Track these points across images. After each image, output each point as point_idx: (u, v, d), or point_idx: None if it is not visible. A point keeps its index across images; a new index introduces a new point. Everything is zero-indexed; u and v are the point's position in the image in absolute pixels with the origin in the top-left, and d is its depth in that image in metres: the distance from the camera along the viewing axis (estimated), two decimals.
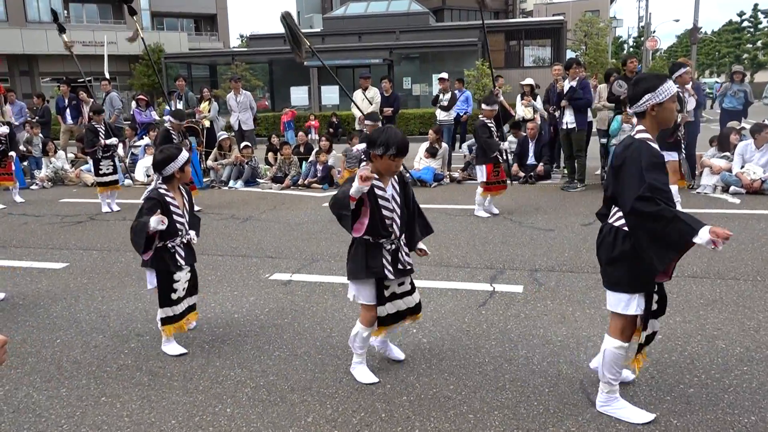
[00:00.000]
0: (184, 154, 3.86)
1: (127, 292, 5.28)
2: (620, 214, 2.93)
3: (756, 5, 54.02)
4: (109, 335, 4.34)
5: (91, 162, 9.31)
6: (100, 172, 9.02)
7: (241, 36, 52.43)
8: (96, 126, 9.11)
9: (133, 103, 14.17)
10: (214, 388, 3.52)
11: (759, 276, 5.14)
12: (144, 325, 4.50)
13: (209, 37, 47.14)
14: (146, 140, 12.51)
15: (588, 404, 3.19)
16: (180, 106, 13.35)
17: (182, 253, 3.92)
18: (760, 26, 53.91)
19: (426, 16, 30.59)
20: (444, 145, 11.26)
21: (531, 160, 10.68)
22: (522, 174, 10.47)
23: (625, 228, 2.89)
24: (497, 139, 7.76)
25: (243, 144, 11.66)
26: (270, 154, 12.19)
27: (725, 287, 4.90)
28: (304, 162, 11.34)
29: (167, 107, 14.81)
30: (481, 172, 7.75)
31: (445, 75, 12.84)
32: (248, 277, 5.62)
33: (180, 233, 3.89)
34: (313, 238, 7.01)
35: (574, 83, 9.28)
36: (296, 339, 4.17)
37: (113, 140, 9.13)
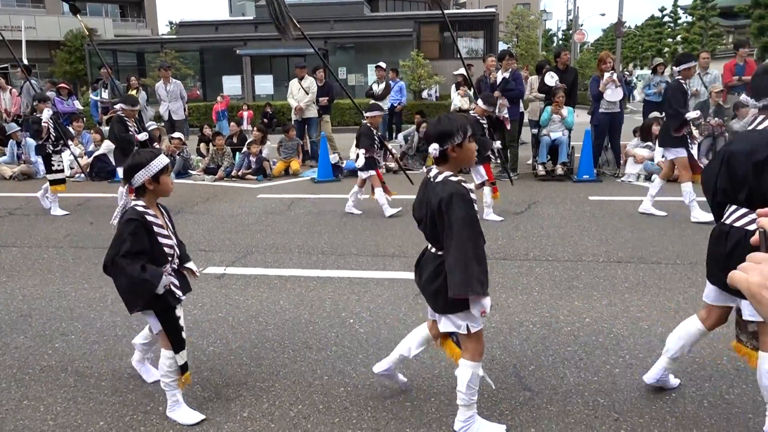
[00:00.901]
0: (160, 160, 2.99)
1: (50, 290, 5.05)
2: (741, 212, 2.74)
3: (676, 1, 56.52)
4: (31, 336, 4.14)
5: (37, 159, 8.30)
6: (53, 168, 8.03)
7: (171, 23, 50.78)
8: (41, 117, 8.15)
9: (51, 93, 13.48)
10: (145, 386, 3.41)
11: (678, 259, 5.41)
12: (69, 324, 4.31)
13: (136, 23, 45.45)
14: (72, 130, 11.96)
15: (520, 387, 3.28)
16: (106, 95, 12.85)
17: (177, 283, 3.09)
18: (680, 21, 56.45)
19: (361, 6, 30.46)
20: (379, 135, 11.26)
21: None
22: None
23: (750, 227, 2.66)
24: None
25: (175, 135, 11.32)
26: (202, 145, 11.90)
27: (648, 271, 5.12)
28: (237, 153, 11.12)
29: (92, 96, 14.22)
30: (479, 173, 7.11)
31: (382, 64, 12.82)
32: None
33: (170, 259, 3.06)
34: (248, 231, 6.89)
35: (507, 74, 9.45)
36: (231, 333, 4.10)
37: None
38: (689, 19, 53.64)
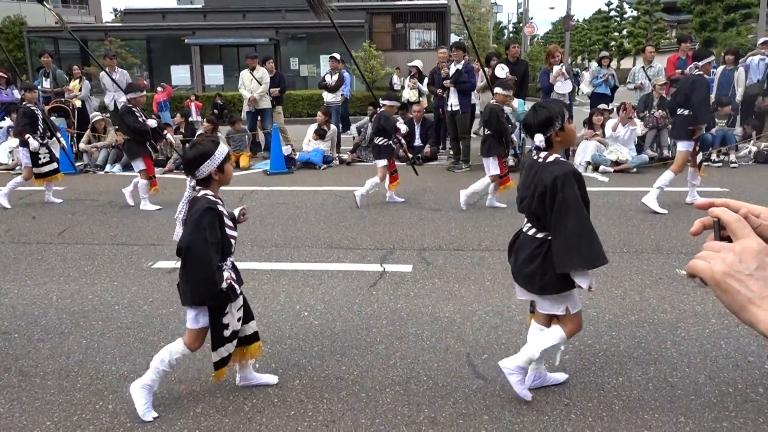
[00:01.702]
0: (222, 149, 2.97)
1: None
2: None
3: None
4: None
5: (23, 151, 7.81)
6: (39, 161, 7.73)
7: (115, 10, 49.24)
8: (32, 108, 7.81)
9: None
10: (94, 384, 3.32)
11: (625, 248, 5.57)
12: (12, 322, 4.16)
13: (78, 10, 43.83)
14: (8, 121, 11.47)
15: (474, 376, 3.33)
16: (47, 84, 12.37)
17: (234, 276, 3.03)
18: (626, 16, 57.97)
19: None
20: (333, 126, 11.21)
21: (417, 141, 10.89)
22: (409, 155, 10.63)
23: None
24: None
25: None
26: (170, 136, 11.58)
27: None
28: (186, 144, 10.89)
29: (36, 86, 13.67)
30: (494, 165, 6.99)
31: (336, 55, 12.73)
32: (129, 266, 5.34)
33: (233, 251, 3.06)
34: None
35: (459, 66, 9.52)
36: (182, 329, 4.00)
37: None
38: (635, 13, 55.11)
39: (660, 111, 9.98)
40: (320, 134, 10.93)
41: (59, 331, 4.01)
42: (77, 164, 10.59)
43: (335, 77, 12.25)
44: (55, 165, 7.99)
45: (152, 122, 7.51)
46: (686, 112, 6.72)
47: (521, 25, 39.17)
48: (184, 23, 26.87)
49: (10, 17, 34.11)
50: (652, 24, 50.14)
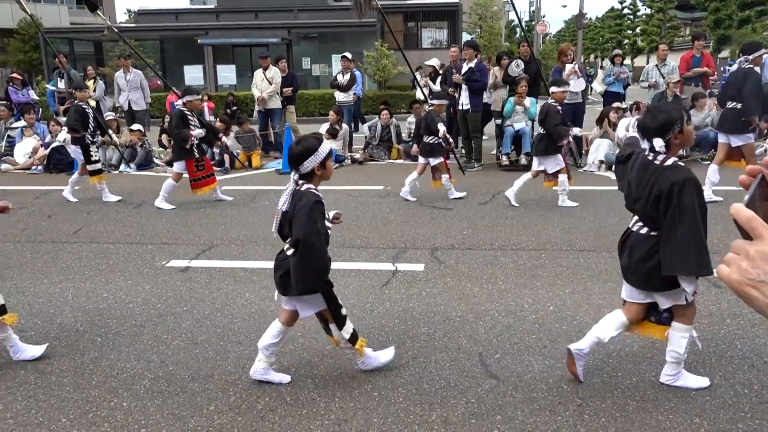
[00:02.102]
0: (325, 145, 3.13)
1: (8, 286, 4.90)
2: None
3: None
4: None
5: (75, 148, 7.96)
6: (92, 159, 7.88)
7: (129, 11, 49.58)
8: (84, 107, 7.95)
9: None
10: (109, 382, 3.35)
11: None
12: (28, 320, 4.20)
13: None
14: (23, 122, 11.60)
15: (487, 375, 3.32)
16: (62, 84, 12.49)
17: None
18: (639, 13, 57.56)
19: None
20: (344, 126, 11.23)
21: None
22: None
23: None
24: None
25: (134, 126, 11.07)
26: (164, 136, 11.67)
27: (610, 259, 5.22)
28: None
29: (49, 86, 13.82)
30: (555, 162, 7.00)
31: (348, 54, 12.74)
32: (143, 265, 5.38)
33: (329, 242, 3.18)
34: (211, 223, 6.81)
35: (472, 65, 9.49)
36: (196, 327, 4.05)
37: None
38: (648, 11, 54.67)
39: None
40: (332, 133, 10.94)
41: (74, 329, 4.05)
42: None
43: (347, 76, 12.26)
44: (100, 166, 8.18)
45: (198, 132, 7.44)
46: (738, 105, 6.67)
47: (533, 23, 38.98)
48: (197, 23, 27.01)
49: (25, 18, 34.43)
50: (665, 22, 49.73)
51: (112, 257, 5.62)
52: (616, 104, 10.46)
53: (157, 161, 10.91)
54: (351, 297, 4.50)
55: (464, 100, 9.62)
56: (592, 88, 11.90)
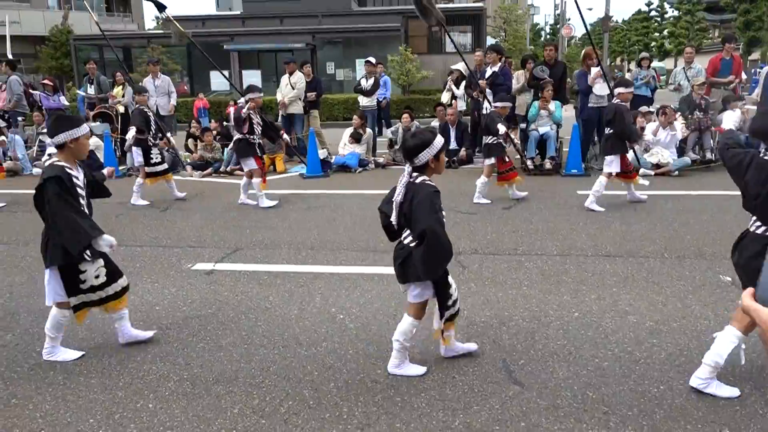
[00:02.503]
0: (440, 139, 3.27)
1: (38, 288, 4.98)
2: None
3: None
4: (18, 334, 4.11)
5: (137, 150, 8.22)
6: (152, 161, 8.15)
7: (157, 18, 50.39)
8: (145, 110, 8.25)
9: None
10: (135, 383, 3.40)
11: (666, 253, 5.45)
12: None
13: (122, 18, 44.99)
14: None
15: (510, 382, 3.30)
16: (91, 90, 12.72)
17: None
18: (666, 16, 56.84)
19: (348, 1, 30.35)
20: (368, 130, 11.26)
21: (453, 145, 10.85)
22: (445, 159, 10.62)
23: None
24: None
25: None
26: (190, 141, 11.83)
27: (636, 265, 5.16)
28: (225, 149, 11.06)
29: (79, 92, 14.09)
30: (616, 162, 7.01)
31: (372, 59, 12.78)
32: (169, 268, 5.45)
33: None
34: (237, 227, 6.87)
35: (496, 68, 9.45)
36: (220, 330, 4.09)
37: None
38: (676, 13, 53.94)
39: (702, 113, 9.73)
40: (356, 138, 10.99)
41: (102, 330, 4.11)
42: (120, 168, 10.86)
43: (371, 81, 12.29)
44: (166, 165, 8.41)
45: (254, 137, 7.60)
46: None
47: (558, 26, 38.70)
48: (223, 29, 27.35)
49: (57, 26, 35.22)
50: (693, 24, 49.00)
51: (139, 260, 5.71)
52: (643, 108, 10.33)
53: (186, 166, 11.04)
54: (374, 301, 4.50)
55: (488, 105, 9.56)
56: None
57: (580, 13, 8.96)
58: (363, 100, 12.36)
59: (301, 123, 11.70)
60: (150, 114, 8.32)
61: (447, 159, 10.53)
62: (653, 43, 55.88)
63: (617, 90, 7.14)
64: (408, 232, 3.27)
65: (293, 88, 11.32)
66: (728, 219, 6.49)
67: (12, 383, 3.43)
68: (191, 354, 3.74)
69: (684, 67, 10.68)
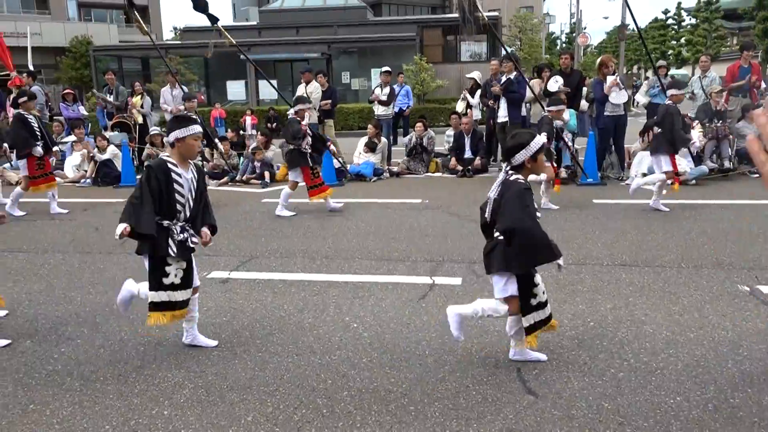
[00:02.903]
0: (538, 140, 3.35)
1: (56, 295, 5.07)
2: None
3: (679, 3, 56.51)
4: (37, 340, 4.16)
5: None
6: None
7: (175, 28, 51.04)
8: (194, 118, 8.47)
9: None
10: (151, 390, 3.43)
11: (683, 263, 5.40)
12: (75, 328, 4.33)
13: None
14: (73, 137, 12.01)
15: (525, 392, 3.28)
16: (111, 100, 12.89)
17: None
18: (684, 24, 56.43)
19: (363, 11, 30.56)
20: (383, 139, 11.30)
21: (468, 153, 10.85)
22: (460, 167, 10.63)
23: None
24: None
25: None
26: (206, 150, 11.93)
27: (652, 274, 5.12)
28: (240, 157, 11.16)
29: (94, 91, 14.32)
30: (665, 162, 7.02)
31: (388, 68, 12.84)
32: None
33: None
34: (252, 235, 6.91)
35: (511, 76, 9.45)
36: (235, 338, 4.11)
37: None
38: (693, 21, 53.58)
39: (720, 121, 9.64)
40: (371, 147, 11.03)
41: (119, 338, 4.15)
42: (137, 177, 10.98)
43: (386, 90, 12.35)
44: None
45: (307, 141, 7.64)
46: None
47: (574, 35, 38.60)
48: (240, 40, 27.51)
49: (77, 37, 35.80)
50: (711, 32, 48.64)
51: None
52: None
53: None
54: (388, 310, 4.51)
55: (503, 113, 9.58)
56: (635, 101, 11.71)
57: (629, 7, 8.86)
58: (378, 109, 12.42)
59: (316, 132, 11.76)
60: (197, 121, 8.35)
61: (461, 168, 10.57)
62: (670, 51, 55.51)
63: (670, 91, 7.19)
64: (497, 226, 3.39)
65: (309, 97, 11.38)
66: (746, 228, 6.41)
67: (30, 389, 3.47)
68: (206, 361, 3.77)
69: (699, 76, 10.61)
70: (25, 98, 8.12)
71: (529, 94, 10.03)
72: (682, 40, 54.50)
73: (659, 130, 7.12)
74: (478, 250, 5.92)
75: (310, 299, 4.80)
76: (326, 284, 5.14)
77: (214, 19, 9.48)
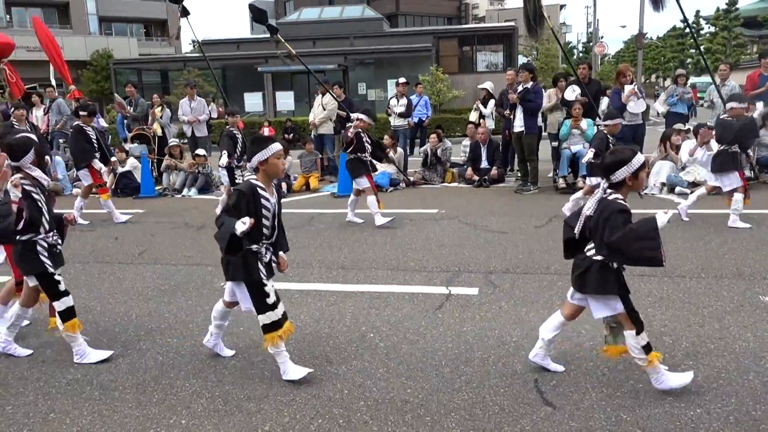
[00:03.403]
0: (639, 158, 3.25)
1: (76, 305, 5.09)
2: None
3: (698, 12, 56.17)
4: (57, 350, 4.21)
5: (224, 171, 8.51)
6: (236, 183, 8.31)
7: (193, 41, 51.67)
8: (234, 132, 8.61)
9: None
10: (168, 399, 3.45)
11: (703, 273, 5.33)
12: (95, 338, 4.38)
13: (160, 42, 46.29)
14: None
15: (542, 403, 3.25)
16: (129, 109, 13.04)
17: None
18: (702, 32, 56.02)
19: (380, 22, 30.74)
20: (399, 150, 11.33)
21: (484, 163, 10.83)
22: (476, 177, 10.61)
23: None
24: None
25: (198, 151, 11.45)
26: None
27: (672, 285, 5.06)
28: None
29: (116, 95, 14.53)
30: (735, 177, 6.81)
31: (404, 79, 12.89)
32: (203, 286, 5.53)
33: None
34: None
35: (528, 86, 9.44)
36: (252, 348, 4.13)
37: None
38: (712, 29, 53.17)
39: None
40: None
41: (137, 347, 4.19)
42: (156, 188, 11.11)
43: (402, 101, 12.38)
44: None
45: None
46: None
47: (591, 44, 38.49)
48: (257, 52, 27.89)
49: (98, 51, 36.40)
50: (731, 40, 48.21)
51: (173, 278, 5.81)
52: (677, 125, 10.18)
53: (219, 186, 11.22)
54: (404, 320, 4.50)
55: (519, 123, 9.56)
56: (655, 111, 11.62)
57: (680, 6, 8.71)
58: (394, 120, 12.45)
59: (331, 143, 11.83)
60: (239, 136, 8.56)
61: (477, 178, 10.56)
62: (689, 60, 55.14)
63: (729, 104, 6.96)
64: (591, 245, 3.33)
65: (324, 109, 11.47)
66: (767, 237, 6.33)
67: (50, 398, 3.52)
68: (223, 371, 3.79)
69: (717, 85, 10.50)
70: (85, 112, 8.42)
71: (546, 103, 10.02)
72: (701, 49, 54.17)
73: (721, 146, 6.79)
74: (495, 260, 5.92)
75: (326, 309, 4.81)
76: (343, 294, 5.15)
77: (274, 30, 9.70)
